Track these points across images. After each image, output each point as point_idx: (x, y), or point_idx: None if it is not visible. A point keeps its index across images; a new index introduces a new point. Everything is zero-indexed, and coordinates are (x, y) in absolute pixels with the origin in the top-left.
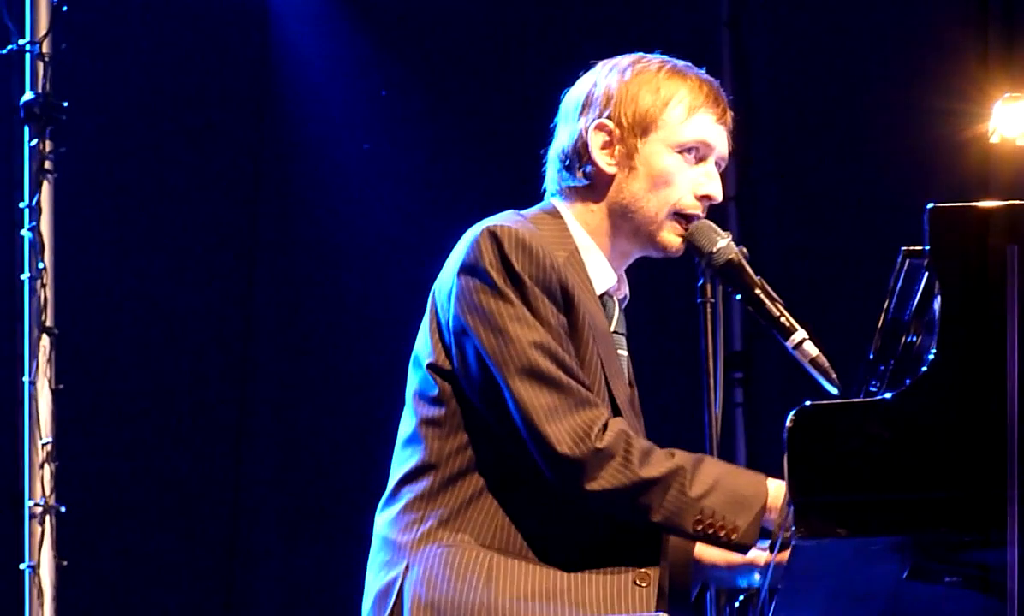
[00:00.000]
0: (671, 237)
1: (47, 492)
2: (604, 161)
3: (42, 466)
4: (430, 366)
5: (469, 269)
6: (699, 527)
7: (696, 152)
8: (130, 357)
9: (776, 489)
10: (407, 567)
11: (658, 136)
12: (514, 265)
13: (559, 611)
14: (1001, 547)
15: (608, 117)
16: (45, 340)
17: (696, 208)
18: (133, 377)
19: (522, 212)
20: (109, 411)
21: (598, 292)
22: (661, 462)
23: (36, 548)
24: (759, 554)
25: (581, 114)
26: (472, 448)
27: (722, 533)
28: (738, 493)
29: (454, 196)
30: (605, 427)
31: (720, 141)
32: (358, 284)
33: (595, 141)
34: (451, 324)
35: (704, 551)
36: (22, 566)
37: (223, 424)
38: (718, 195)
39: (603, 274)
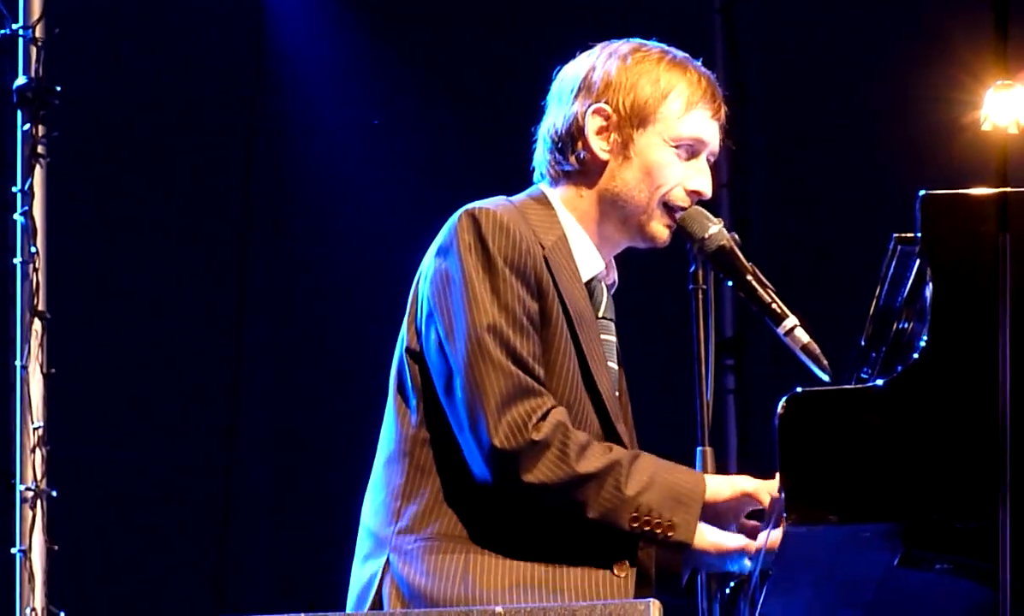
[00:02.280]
0: (659, 228)
1: (39, 476)
2: (599, 147)
3: (33, 450)
4: (406, 350)
5: (444, 251)
6: (635, 525)
7: (691, 147)
8: (122, 341)
9: (716, 485)
10: (387, 562)
11: (655, 128)
12: (490, 247)
13: (536, 599)
14: (992, 536)
15: (606, 103)
16: (37, 324)
17: (686, 202)
18: (125, 361)
19: (511, 197)
20: (101, 395)
21: (585, 278)
22: (598, 457)
23: (27, 532)
24: (749, 541)
25: (577, 97)
26: (444, 439)
27: (658, 530)
28: (674, 490)
29: (448, 183)
30: (544, 417)
31: (714, 138)
32: (351, 270)
33: (591, 126)
34: (424, 307)
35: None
36: (13, 551)
37: (215, 408)
38: (708, 191)
39: (590, 260)
